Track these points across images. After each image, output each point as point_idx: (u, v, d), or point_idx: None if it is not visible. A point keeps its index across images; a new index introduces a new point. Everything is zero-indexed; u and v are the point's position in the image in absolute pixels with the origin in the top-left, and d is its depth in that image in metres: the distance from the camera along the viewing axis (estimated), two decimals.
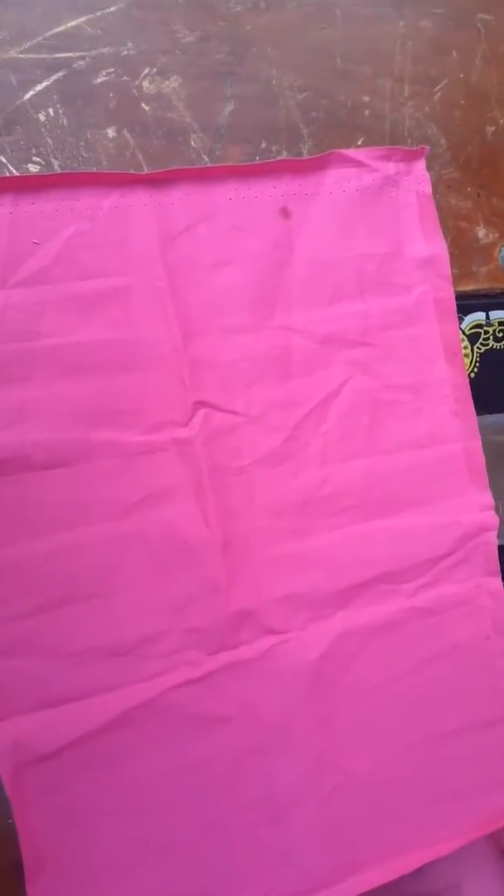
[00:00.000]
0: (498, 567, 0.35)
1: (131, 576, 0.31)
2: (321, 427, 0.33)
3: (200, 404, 0.33)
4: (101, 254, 0.31)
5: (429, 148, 0.35)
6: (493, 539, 0.35)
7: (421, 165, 0.35)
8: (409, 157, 0.35)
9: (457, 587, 0.35)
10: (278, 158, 0.34)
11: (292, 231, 0.33)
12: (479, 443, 0.35)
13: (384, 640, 0.34)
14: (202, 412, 0.32)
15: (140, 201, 0.32)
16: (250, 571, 0.33)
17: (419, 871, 0.37)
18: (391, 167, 0.35)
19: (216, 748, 0.31)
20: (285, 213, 0.33)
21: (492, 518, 0.35)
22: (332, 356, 0.34)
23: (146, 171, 0.33)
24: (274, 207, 0.33)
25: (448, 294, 0.35)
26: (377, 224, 0.34)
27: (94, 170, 0.32)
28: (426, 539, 0.35)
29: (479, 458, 0.35)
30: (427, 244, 0.35)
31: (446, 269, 0.35)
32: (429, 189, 0.35)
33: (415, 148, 0.35)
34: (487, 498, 0.35)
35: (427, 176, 0.35)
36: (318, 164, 0.34)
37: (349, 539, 0.34)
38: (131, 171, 0.32)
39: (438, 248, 0.35)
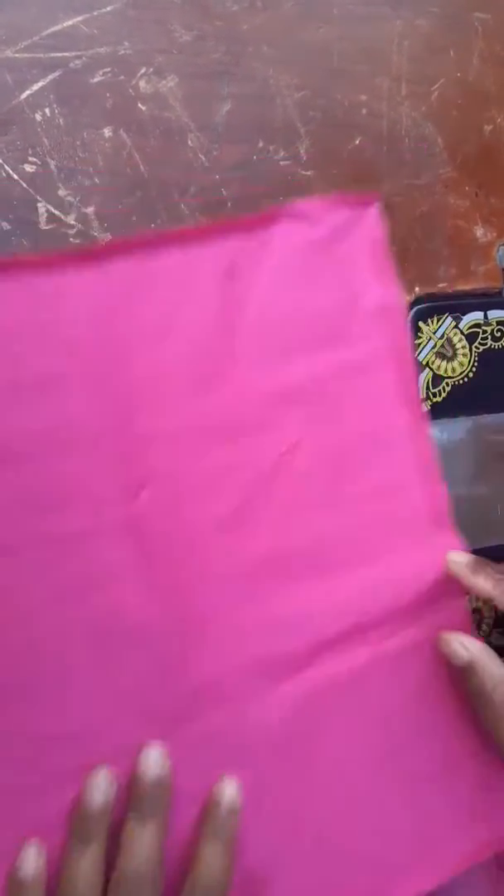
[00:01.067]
0: (468, 608, 0.35)
1: (79, 664, 0.30)
2: (276, 486, 0.32)
3: (146, 479, 0.32)
4: (36, 337, 0.31)
5: (380, 196, 0.34)
6: (459, 587, 0.34)
7: (374, 211, 0.34)
8: (362, 205, 0.34)
9: (426, 630, 0.34)
10: (221, 222, 0.32)
11: (239, 291, 0.32)
12: (441, 487, 0.35)
13: (354, 692, 0.33)
14: (148, 487, 0.32)
15: (76, 280, 0.31)
16: (209, 643, 0.32)
17: None
18: (341, 216, 0.34)
19: (182, 827, 0.30)
20: (231, 273, 0.32)
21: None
22: (286, 413, 0.33)
23: (143, 170, 0.33)
24: (218, 269, 0.32)
25: (405, 342, 0.34)
26: (329, 276, 0.33)
27: (91, 170, 0.32)
28: (393, 588, 0.34)
29: (443, 502, 0.34)
30: (382, 292, 0.34)
31: (402, 317, 0.34)
32: (383, 236, 0.34)
33: (366, 195, 0.34)
34: (454, 541, 0.34)
35: (380, 222, 0.34)
36: (263, 222, 0.32)
37: (311, 597, 0.33)
38: (74, 247, 0.31)
39: (394, 295, 0.34)
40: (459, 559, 0.33)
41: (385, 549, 0.34)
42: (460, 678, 0.33)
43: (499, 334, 0.37)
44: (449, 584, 0.35)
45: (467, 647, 0.32)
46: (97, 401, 0.32)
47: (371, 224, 0.34)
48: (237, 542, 0.32)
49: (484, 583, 0.32)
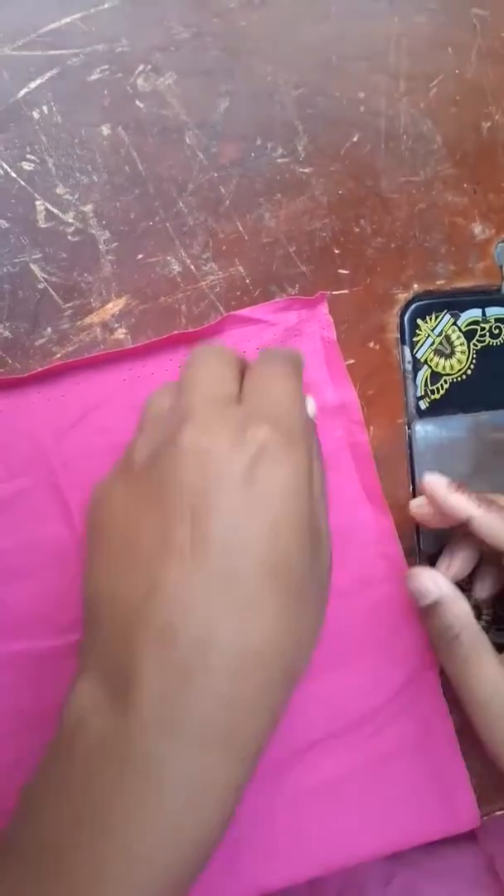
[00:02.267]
0: (442, 700, 0.35)
1: None
2: None
3: None
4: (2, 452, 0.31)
5: (329, 293, 0.34)
6: (435, 676, 0.34)
7: (323, 310, 0.34)
8: (311, 305, 0.34)
9: (404, 728, 0.34)
10: (174, 333, 0.33)
11: None
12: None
13: (335, 795, 0.33)
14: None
15: (28, 401, 0.32)
16: None
17: (407, 892, 0.37)
18: (292, 317, 0.34)
19: None
20: None
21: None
22: None
23: (141, 168, 0.33)
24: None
25: (363, 439, 0.34)
26: None
27: (89, 168, 0.32)
28: (368, 689, 0.34)
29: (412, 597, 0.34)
30: (336, 391, 0.34)
31: (358, 414, 0.34)
32: (333, 335, 0.34)
33: (314, 296, 0.34)
34: (423, 633, 0.34)
35: (330, 321, 0.34)
36: (214, 330, 0.33)
37: (298, 699, 0.32)
38: (18, 375, 0.31)
39: (348, 394, 0.34)
40: (435, 478, 0.32)
41: (355, 649, 0.34)
42: (425, 616, 0.32)
43: (497, 331, 0.37)
44: (423, 677, 0.34)
45: (437, 583, 0.31)
46: (56, 519, 0.32)
47: (321, 323, 0.34)
48: None
49: (464, 500, 0.31)
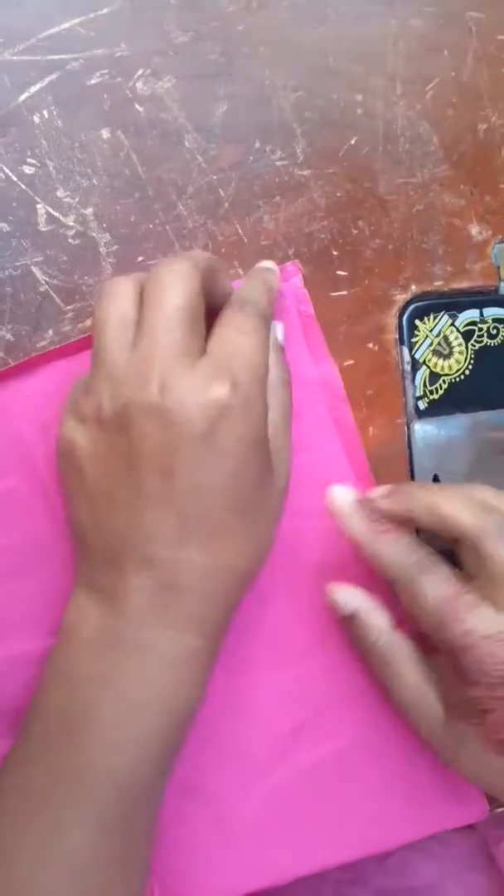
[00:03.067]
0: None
1: None
2: None
3: None
4: None
5: (299, 264, 0.34)
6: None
7: (297, 283, 0.34)
8: (283, 277, 0.34)
9: (393, 714, 0.34)
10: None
11: None
12: None
13: (330, 779, 0.33)
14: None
15: (9, 397, 0.32)
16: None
17: (403, 869, 0.37)
18: None
19: None
20: None
21: None
22: None
23: (141, 171, 0.33)
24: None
25: (346, 414, 0.34)
26: None
27: (89, 171, 0.32)
28: (358, 669, 0.34)
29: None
30: (316, 366, 0.34)
31: (340, 388, 0.34)
32: (310, 308, 0.34)
33: (287, 265, 0.34)
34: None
35: (306, 294, 0.34)
36: None
37: (279, 686, 0.33)
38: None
39: (329, 369, 0.34)
40: (341, 495, 0.31)
41: (332, 633, 0.34)
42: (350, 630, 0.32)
43: (495, 331, 0.38)
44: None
45: (349, 599, 0.32)
46: (44, 517, 0.32)
47: (298, 296, 0.34)
48: None
49: (358, 524, 0.30)
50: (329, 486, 0.31)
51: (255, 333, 0.29)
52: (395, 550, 0.30)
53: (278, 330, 0.32)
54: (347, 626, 0.32)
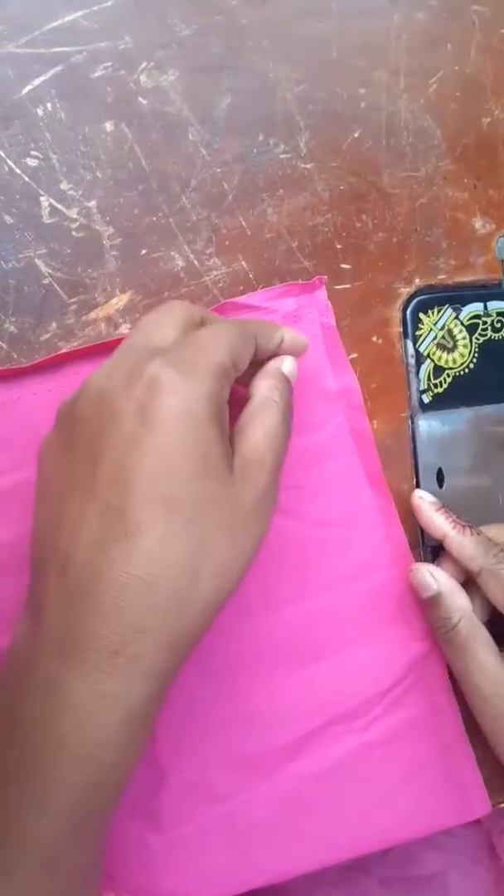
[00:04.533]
0: (448, 682, 0.35)
1: None
2: (247, 579, 0.30)
3: None
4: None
5: (326, 278, 0.34)
6: (440, 657, 0.35)
7: (322, 296, 0.34)
8: (309, 290, 0.34)
9: (410, 711, 0.34)
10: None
11: None
12: (413, 561, 0.35)
13: (340, 782, 0.33)
14: None
15: (29, 391, 0.32)
16: (188, 744, 0.32)
17: (407, 859, 0.37)
18: (290, 304, 0.34)
19: None
20: None
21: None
22: None
23: (144, 164, 0.33)
24: None
25: (364, 425, 0.35)
26: None
27: (92, 164, 0.32)
28: (372, 672, 0.34)
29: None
30: (336, 378, 0.34)
31: (359, 399, 0.34)
32: (332, 320, 0.34)
33: (313, 280, 0.34)
34: (424, 621, 0.35)
35: (329, 306, 0.34)
36: None
37: (292, 688, 0.33)
38: (18, 364, 0.32)
39: (348, 380, 0.34)
40: (425, 496, 0.35)
41: (360, 633, 0.34)
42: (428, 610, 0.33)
43: (499, 325, 0.37)
44: (428, 659, 0.35)
45: (436, 577, 0.33)
46: None
47: (320, 309, 0.34)
48: (208, 642, 0.30)
49: (442, 520, 0.34)
50: (415, 492, 0.35)
51: (225, 332, 0.27)
52: (477, 543, 0.33)
53: (287, 363, 0.30)
54: (428, 607, 0.33)
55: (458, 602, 0.33)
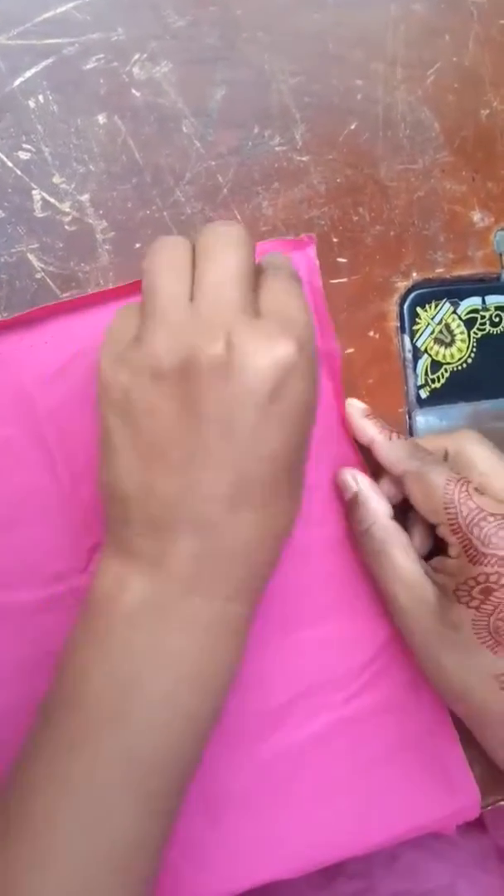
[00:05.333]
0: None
1: None
2: None
3: (97, 547, 0.31)
4: None
5: (315, 236, 0.34)
6: None
7: (310, 254, 0.33)
8: (299, 247, 0.33)
9: (391, 688, 0.34)
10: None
11: None
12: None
13: (318, 757, 0.33)
14: (99, 555, 0.31)
15: (11, 347, 0.31)
16: None
17: (413, 872, 0.36)
18: None
19: None
20: None
21: None
22: None
23: (138, 157, 0.33)
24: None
25: (341, 388, 0.34)
26: None
27: (85, 157, 0.32)
28: (353, 644, 0.34)
29: None
30: (322, 339, 0.33)
31: (338, 366, 0.34)
32: (319, 282, 0.34)
33: (302, 237, 0.33)
34: None
35: (317, 266, 0.34)
36: None
37: (270, 657, 0.33)
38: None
39: (331, 344, 0.34)
40: (355, 403, 0.34)
41: (339, 604, 0.34)
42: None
43: (497, 319, 0.37)
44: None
45: (357, 479, 0.34)
46: (40, 469, 0.31)
47: (309, 268, 0.33)
48: None
49: (370, 425, 0.33)
50: (348, 402, 0.34)
51: (301, 297, 0.28)
52: (405, 448, 0.33)
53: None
54: (349, 510, 0.34)
55: (373, 505, 0.33)
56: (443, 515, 0.31)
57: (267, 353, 0.25)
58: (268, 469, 0.26)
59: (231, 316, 0.26)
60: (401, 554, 0.32)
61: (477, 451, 0.32)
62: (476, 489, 0.31)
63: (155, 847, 0.26)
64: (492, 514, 0.30)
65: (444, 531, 0.31)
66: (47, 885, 0.24)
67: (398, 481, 0.33)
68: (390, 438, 0.33)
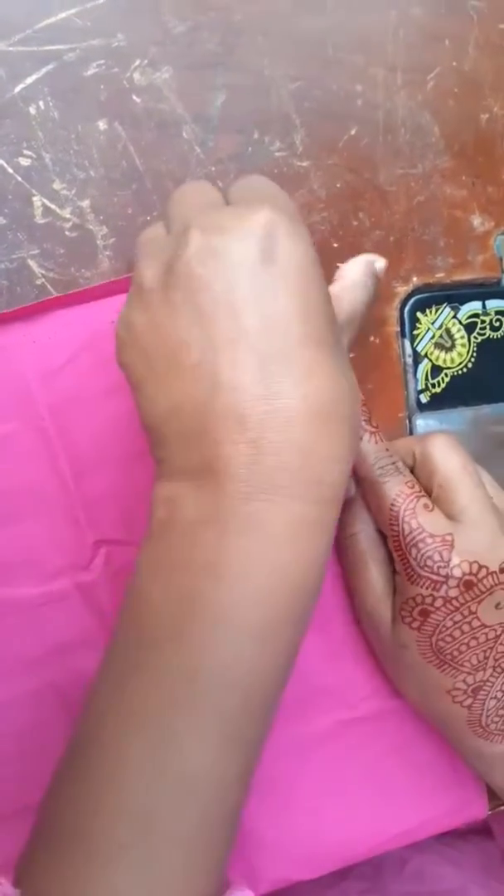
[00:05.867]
0: None
1: (50, 730, 0.30)
2: None
3: (100, 543, 0.31)
4: None
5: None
6: None
7: None
8: None
9: (394, 693, 0.34)
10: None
11: None
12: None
13: (328, 755, 0.33)
14: (103, 551, 0.31)
15: (14, 341, 0.31)
16: None
17: (422, 875, 0.36)
18: None
19: None
20: None
21: None
22: None
23: (138, 163, 0.33)
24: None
25: None
26: None
27: (86, 163, 0.32)
28: (361, 646, 0.34)
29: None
30: None
31: None
32: None
33: None
34: None
35: None
36: None
37: None
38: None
39: None
40: None
41: (346, 607, 0.34)
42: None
43: (497, 324, 0.37)
44: None
45: (355, 485, 0.33)
46: (42, 464, 0.31)
47: None
48: None
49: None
50: None
51: (271, 185, 0.28)
52: (372, 449, 0.31)
53: (380, 262, 0.32)
54: (343, 511, 0.32)
55: (367, 514, 0.32)
56: (388, 530, 0.30)
57: (240, 223, 0.24)
58: (291, 338, 0.24)
59: (201, 211, 0.26)
60: (376, 568, 0.32)
61: (442, 459, 0.31)
62: (425, 506, 0.30)
63: (231, 777, 0.24)
64: (431, 536, 0.29)
65: (390, 545, 0.31)
66: (117, 811, 0.23)
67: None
68: (364, 437, 0.31)
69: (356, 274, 0.31)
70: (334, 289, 0.30)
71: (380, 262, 0.32)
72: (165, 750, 0.23)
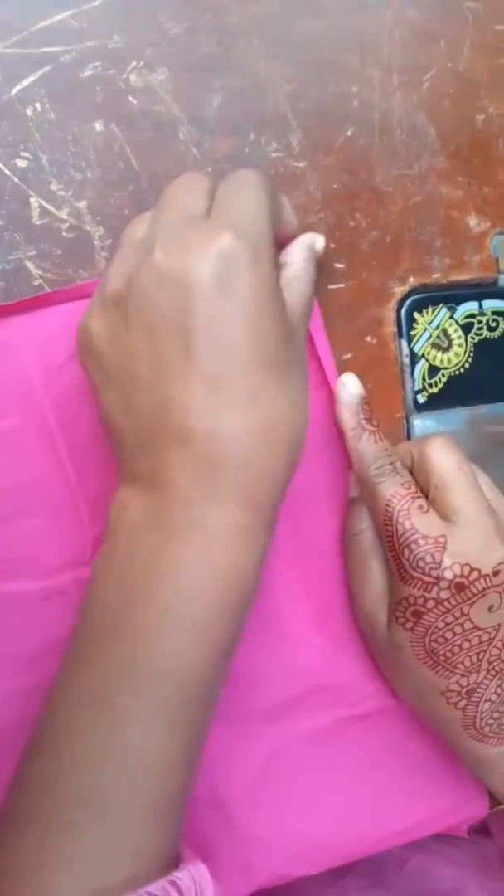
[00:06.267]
0: None
1: None
2: None
3: (101, 538, 0.31)
4: None
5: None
6: None
7: None
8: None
9: (393, 692, 0.34)
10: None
11: None
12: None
13: (327, 753, 0.33)
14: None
15: (16, 336, 0.31)
16: None
17: (423, 874, 0.36)
18: None
19: None
20: None
21: None
22: None
23: (135, 164, 0.33)
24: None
25: (333, 367, 0.34)
26: None
27: (82, 164, 0.32)
28: (359, 644, 0.34)
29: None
30: (314, 345, 0.33)
31: (333, 372, 0.34)
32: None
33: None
34: None
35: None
36: None
37: (281, 651, 0.33)
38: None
39: (325, 350, 0.34)
40: (349, 385, 0.33)
41: (343, 605, 0.34)
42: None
43: (494, 324, 0.37)
44: None
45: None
46: (45, 460, 0.31)
47: None
48: None
49: (349, 417, 0.32)
50: (344, 377, 0.33)
51: (256, 189, 0.28)
52: (371, 448, 0.32)
53: (319, 241, 0.32)
54: (347, 510, 0.33)
55: (369, 516, 0.33)
56: (383, 531, 0.30)
57: (200, 249, 0.25)
58: (237, 363, 0.26)
59: (172, 226, 0.26)
60: (377, 569, 0.32)
61: (438, 460, 0.31)
62: (420, 507, 0.30)
63: (175, 756, 0.26)
64: (424, 537, 0.29)
65: (385, 546, 0.31)
66: (69, 790, 0.25)
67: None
68: (361, 436, 0.32)
69: (302, 260, 0.31)
70: (283, 280, 0.30)
71: (319, 242, 0.32)
72: (111, 733, 0.25)
